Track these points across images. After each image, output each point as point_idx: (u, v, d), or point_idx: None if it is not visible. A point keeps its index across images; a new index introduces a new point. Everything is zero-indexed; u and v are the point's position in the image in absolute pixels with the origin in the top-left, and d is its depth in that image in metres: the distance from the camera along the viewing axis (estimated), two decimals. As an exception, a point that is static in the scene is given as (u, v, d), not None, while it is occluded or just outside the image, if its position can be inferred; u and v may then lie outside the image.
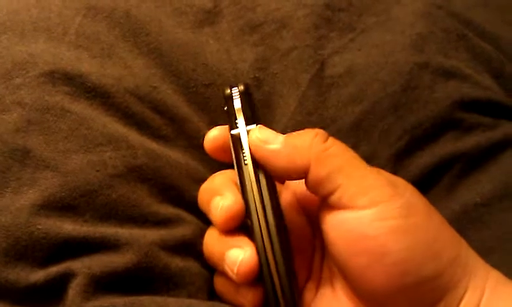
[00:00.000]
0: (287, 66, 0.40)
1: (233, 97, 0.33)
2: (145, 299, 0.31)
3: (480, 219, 0.37)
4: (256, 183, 0.32)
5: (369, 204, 0.29)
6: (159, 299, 0.32)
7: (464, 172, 0.39)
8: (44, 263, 0.32)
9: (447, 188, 0.39)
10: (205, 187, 0.35)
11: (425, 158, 0.39)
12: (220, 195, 0.33)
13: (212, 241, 0.34)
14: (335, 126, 0.39)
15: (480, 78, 0.42)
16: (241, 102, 0.33)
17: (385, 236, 0.29)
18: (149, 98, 0.36)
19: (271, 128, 0.33)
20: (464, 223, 0.37)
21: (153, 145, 0.36)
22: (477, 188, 0.38)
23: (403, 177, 0.32)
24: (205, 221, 0.35)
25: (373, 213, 0.29)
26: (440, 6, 0.44)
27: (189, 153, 0.37)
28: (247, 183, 0.32)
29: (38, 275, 0.31)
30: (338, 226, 0.30)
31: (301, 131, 0.32)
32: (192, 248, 0.35)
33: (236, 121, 0.33)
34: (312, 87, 0.39)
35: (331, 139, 0.32)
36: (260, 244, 0.31)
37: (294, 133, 0.32)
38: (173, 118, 0.37)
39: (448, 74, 0.41)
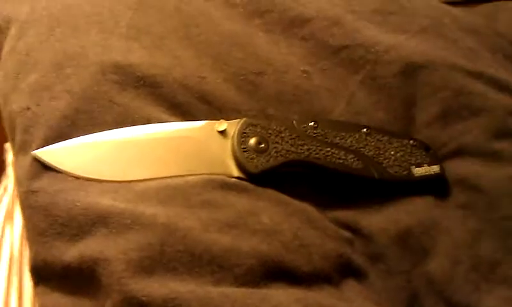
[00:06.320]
0: (336, 64, 0.39)
1: None
2: (186, 293, 0.29)
3: None
4: None
5: None
6: (201, 293, 0.30)
7: None
8: (77, 239, 0.31)
9: None
10: None
11: None
12: None
13: None
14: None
15: None
16: None
17: None
18: (197, 88, 0.36)
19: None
20: None
21: None
22: None
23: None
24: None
25: None
26: (487, 25, 0.44)
27: None
28: None
29: (72, 253, 0.31)
30: None
31: None
32: (244, 225, 0.32)
33: None
34: (362, 89, 0.38)
35: None
36: None
37: None
38: (222, 107, 0.36)
39: (501, 86, 0.40)
